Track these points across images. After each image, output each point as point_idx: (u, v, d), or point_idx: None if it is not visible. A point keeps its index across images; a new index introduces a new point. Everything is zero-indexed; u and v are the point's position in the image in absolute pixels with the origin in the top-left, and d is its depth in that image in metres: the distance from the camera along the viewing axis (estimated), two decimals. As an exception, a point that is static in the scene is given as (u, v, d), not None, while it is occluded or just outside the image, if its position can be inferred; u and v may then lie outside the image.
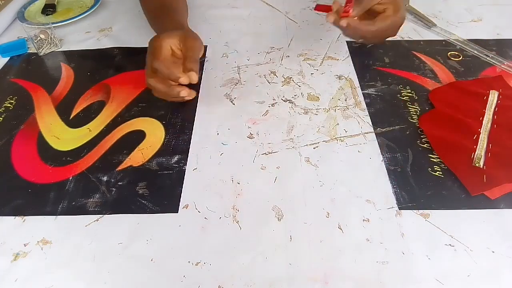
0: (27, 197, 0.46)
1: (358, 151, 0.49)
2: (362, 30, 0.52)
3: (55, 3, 0.81)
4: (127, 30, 0.74)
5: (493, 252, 0.39)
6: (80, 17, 0.76)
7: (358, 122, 0.53)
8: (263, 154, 0.50)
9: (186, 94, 0.52)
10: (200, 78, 0.62)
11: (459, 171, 0.46)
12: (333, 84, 0.60)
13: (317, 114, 0.55)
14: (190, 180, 0.47)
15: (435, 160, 0.48)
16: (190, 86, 0.51)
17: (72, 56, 0.68)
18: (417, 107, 0.55)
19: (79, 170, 0.49)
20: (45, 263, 0.40)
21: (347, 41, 0.68)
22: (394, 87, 0.59)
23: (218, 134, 0.52)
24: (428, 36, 0.69)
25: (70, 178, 0.48)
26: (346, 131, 0.52)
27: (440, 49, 0.66)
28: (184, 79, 0.48)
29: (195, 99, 0.57)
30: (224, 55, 0.67)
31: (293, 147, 0.50)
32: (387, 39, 0.59)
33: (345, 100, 0.57)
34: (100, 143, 0.52)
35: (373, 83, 0.59)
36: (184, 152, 0.50)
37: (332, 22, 0.54)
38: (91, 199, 0.45)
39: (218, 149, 0.50)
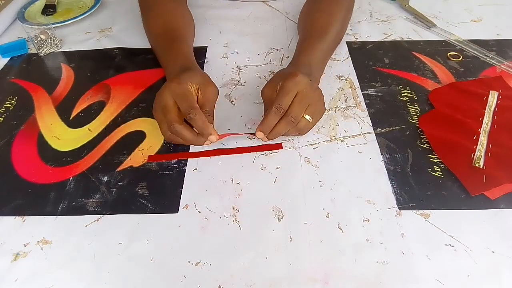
0: (27, 197, 0.46)
1: (358, 152, 0.50)
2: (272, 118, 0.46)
3: (55, 4, 0.81)
4: (127, 30, 0.74)
5: (493, 252, 0.39)
6: (80, 17, 0.76)
7: (358, 123, 0.53)
8: (263, 154, 0.50)
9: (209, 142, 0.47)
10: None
11: (459, 171, 0.46)
12: (333, 85, 0.60)
13: (317, 115, 0.55)
14: (190, 180, 0.47)
15: (435, 160, 0.48)
16: None
17: (72, 57, 0.68)
18: (417, 108, 0.55)
19: (79, 171, 0.49)
20: (45, 263, 0.40)
21: (347, 42, 0.68)
22: (394, 87, 0.59)
23: (218, 134, 0.53)
24: (428, 37, 0.69)
25: (70, 178, 0.48)
26: (346, 132, 0.52)
27: (440, 49, 0.66)
28: (214, 138, 0.45)
29: None
30: (224, 56, 0.67)
31: (293, 147, 0.50)
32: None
33: (345, 100, 0.57)
34: (100, 144, 0.52)
35: (373, 83, 0.60)
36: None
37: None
38: (91, 199, 0.45)
39: (218, 149, 0.51)
